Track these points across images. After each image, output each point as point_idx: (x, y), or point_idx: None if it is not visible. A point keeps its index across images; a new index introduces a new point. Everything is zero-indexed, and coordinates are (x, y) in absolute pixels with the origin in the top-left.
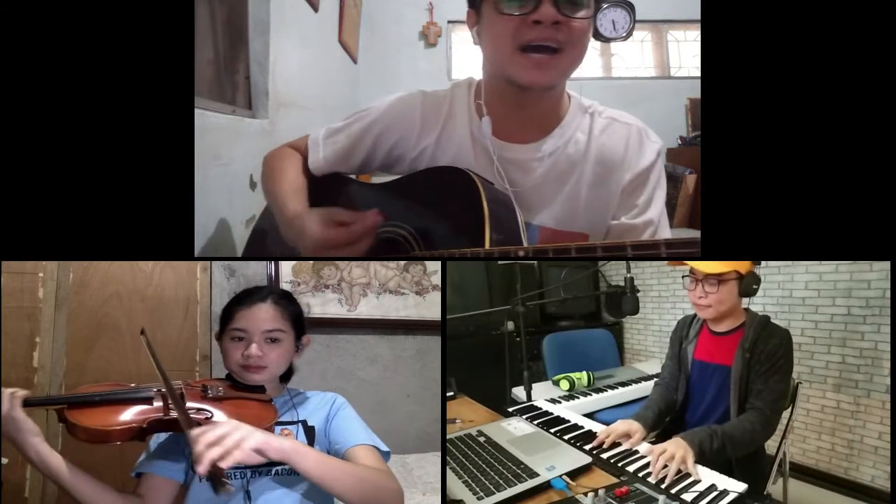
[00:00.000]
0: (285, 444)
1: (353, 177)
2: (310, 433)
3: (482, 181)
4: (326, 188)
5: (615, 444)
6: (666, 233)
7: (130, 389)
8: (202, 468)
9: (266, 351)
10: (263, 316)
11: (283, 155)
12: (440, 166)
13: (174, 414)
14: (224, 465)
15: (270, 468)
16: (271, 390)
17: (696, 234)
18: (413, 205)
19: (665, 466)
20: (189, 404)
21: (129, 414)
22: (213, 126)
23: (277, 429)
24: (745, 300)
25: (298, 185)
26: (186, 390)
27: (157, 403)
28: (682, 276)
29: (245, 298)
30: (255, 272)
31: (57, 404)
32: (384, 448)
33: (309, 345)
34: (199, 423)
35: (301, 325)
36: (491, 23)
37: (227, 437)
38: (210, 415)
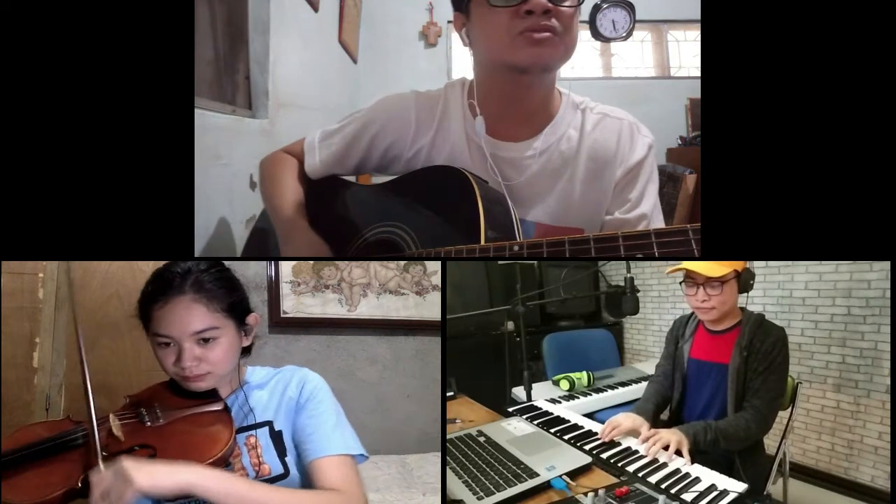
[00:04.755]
0: (179, 477)
1: (354, 179)
2: (277, 438)
3: (477, 179)
4: (324, 190)
5: (616, 443)
6: (659, 225)
7: (52, 438)
8: None
9: (202, 354)
10: (186, 317)
11: (280, 161)
12: (435, 166)
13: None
14: None
15: None
16: (225, 385)
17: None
18: (410, 205)
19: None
20: (128, 440)
21: (61, 473)
22: (213, 126)
23: (241, 437)
24: (740, 299)
25: (296, 194)
26: (120, 423)
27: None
28: (679, 283)
29: (158, 295)
30: (256, 272)
31: None
32: (357, 451)
33: (259, 323)
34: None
35: (240, 307)
36: (482, 18)
37: (107, 496)
38: (153, 452)
